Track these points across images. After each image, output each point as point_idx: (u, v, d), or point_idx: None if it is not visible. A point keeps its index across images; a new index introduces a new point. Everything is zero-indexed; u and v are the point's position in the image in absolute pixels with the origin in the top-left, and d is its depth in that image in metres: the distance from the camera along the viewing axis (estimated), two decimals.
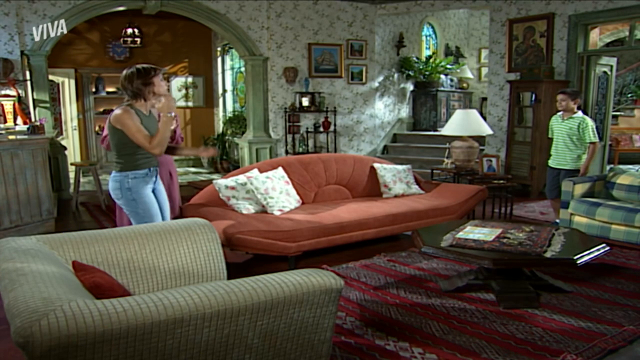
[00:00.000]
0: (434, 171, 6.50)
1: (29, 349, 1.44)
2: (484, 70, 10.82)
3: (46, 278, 1.78)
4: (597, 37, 7.48)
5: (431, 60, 9.89)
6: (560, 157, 5.08)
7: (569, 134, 4.96)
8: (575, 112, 4.97)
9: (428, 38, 10.83)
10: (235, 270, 3.83)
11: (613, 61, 7.29)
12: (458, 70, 10.70)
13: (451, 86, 10.35)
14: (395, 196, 5.02)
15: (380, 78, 9.20)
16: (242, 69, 9.20)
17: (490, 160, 6.09)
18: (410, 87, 9.98)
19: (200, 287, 1.75)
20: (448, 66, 10.03)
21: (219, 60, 10.70)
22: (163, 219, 3.36)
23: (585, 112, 5.75)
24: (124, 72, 3.14)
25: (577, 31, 6.82)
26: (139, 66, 3.15)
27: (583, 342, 2.72)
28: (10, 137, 5.05)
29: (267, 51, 8.09)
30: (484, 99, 9.82)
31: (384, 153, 9.40)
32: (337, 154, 7.67)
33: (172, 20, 9.88)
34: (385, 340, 2.78)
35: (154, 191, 3.30)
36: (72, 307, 1.53)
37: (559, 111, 5.12)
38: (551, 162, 5.21)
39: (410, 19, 9.95)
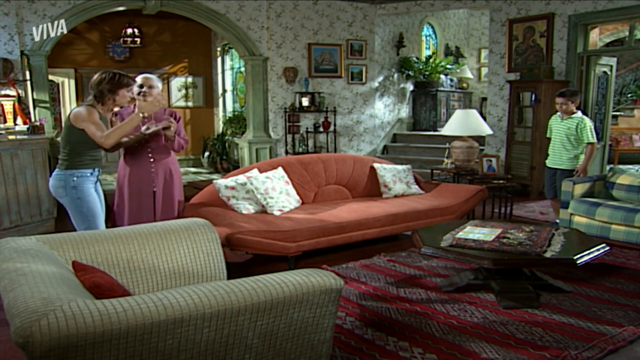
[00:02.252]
0: (434, 171, 6.50)
1: (28, 349, 1.44)
2: (484, 70, 10.82)
3: (46, 278, 1.77)
4: (597, 37, 7.49)
5: (431, 60, 9.89)
6: (557, 156, 5.08)
7: (567, 133, 4.96)
8: (574, 112, 4.97)
9: (428, 38, 10.83)
10: (235, 270, 3.83)
11: (613, 61, 7.29)
12: (458, 70, 10.70)
13: (451, 86, 10.35)
14: (395, 196, 5.02)
15: (380, 78, 9.20)
16: (242, 69, 9.20)
17: (490, 160, 6.09)
18: (410, 87, 9.98)
19: (200, 287, 1.75)
20: (448, 66, 10.03)
21: (219, 60, 10.70)
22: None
23: (584, 112, 5.75)
24: (98, 73, 3.24)
25: (577, 31, 6.82)
26: (114, 71, 3.26)
27: (583, 342, 2.72)
28: (10, 137, 5.05)
29: (267, 51, 8.09)
30: (484, 99, 9.82)
31: (384, 153, 9.40)
32: (337, 154, 7.66)
33: (172, 20, 9.88)
34: (385, 340, 2.78)
35: (95, 191, 3.38)
36: (72, 307, 1.53)
37: (558, 111, 5.12)
38: (548, 162, 5.21)
39: (410, 19, 9.95)
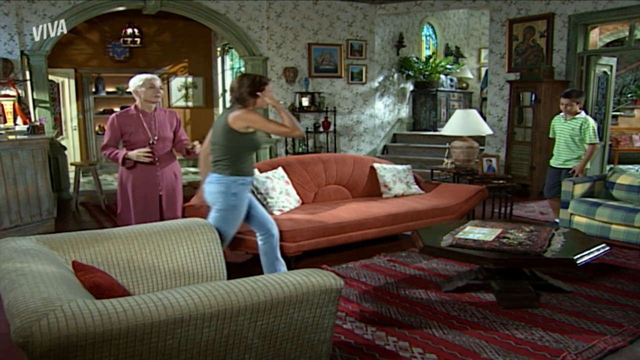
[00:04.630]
0: (434, 171, 6.50)
1: (28, 349, 1.44)
2: (484, 70, 10.82)
3: (46, 278, 1.78)
4: (597, 37, 7.48)
5: (431, 60, 9.89)
6: (562, 157, 5.08)
7: (571, 134, 4.95)
8: (578, 113, 4.97)
9: (428, 38, 10.83)
10: (235, 270, 3.83)
11: (613, 61, 7.29)
12: (458, 70, 10.70)
13: (451, 86, 10.35)
14: (395, 196, 5.02)
15: (380, 78, 9.19)
16: (242, 69, 9.20)
17: (490, 160, 6.09)
18: (410, 87, 9.98)
19: (200, 287, 1.75)
20: (448, 66, 10.03)
21: (219, 60, 10.70)
22: (266, 221, 3.39)
23: (586, 113, 5.75)
24: (237, 78, 3.21)
25: (577, 31, 6.82)
26: (252, 75, 3.20)
27: (583, 342, 2.72)
28: (10, 137, 5.05)
29: (267, 51, 8.09)
30: (484, 99, 9.82)
31: (384, 153, 9.40)
32: (337, 154, 7.66)
33: (172, 20, 9.87)
34: (385, 340, 2.78)
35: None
36: (72, 307, 1.53)
37: (561, 111, 5.12)
38: (553, 162, 5.20)
39: (410, 19, 9.94)
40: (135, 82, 3.66)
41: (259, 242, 3.40)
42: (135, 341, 1.57)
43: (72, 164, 7.03)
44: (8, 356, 2.66)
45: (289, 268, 3.93)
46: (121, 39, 9.69)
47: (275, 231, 3.40)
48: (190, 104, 10.73)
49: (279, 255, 3.44)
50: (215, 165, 3.17)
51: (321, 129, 8.50)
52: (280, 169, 4.59)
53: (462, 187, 5.22)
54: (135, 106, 3.73)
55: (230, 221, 3.17)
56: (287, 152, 8.41)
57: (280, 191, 4.36)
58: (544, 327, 2.90)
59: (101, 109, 9.93)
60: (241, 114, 3.07)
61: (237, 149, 3.11)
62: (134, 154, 3.60)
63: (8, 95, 6.15)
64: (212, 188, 3.17)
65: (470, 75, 10.85)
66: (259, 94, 3.13)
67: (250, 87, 3.12)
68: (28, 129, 5.70)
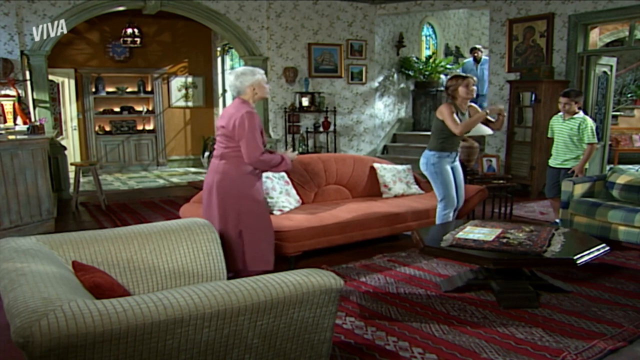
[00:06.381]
0: None
1: (28, 349, 1.44)
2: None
3: (46, 278, 1.78)
4: (597, 37, 7.48)
5: (431, 60, 9.89)
6: (560, 157, 5.09)
7: (569, 134, 4.96)
8: (576, 113, 4.97)
9: (428, 38, 10.83)
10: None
11: (613, 61, 7.29)
12: (458, 70, 10.69)
13: None
14: (395, 196, 5.02)
15: (380, 78, 9.19)
16: None
17: (490, 160, 6.08)
18: (410, 87, 9.98)
19: (200, 287, 1.75)
20: (448, 66, 10.02)
21: (219, 60, 10.70)
22: (457, 194, 4.33)
23: (585, 113, 5.76)
24: (448, 79, 4.31)
25: (577, 31, 6.81)
26: (453, 75, 4.28)
27: (583, 342, 2.72)
28: (10, 137, 5.05)
29: (266, 51, 8.09)
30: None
31: (384, 153, 9.39)
32: (337, 154, 7.66)
33: (172, 20, 9.87)
34: (385, 340, 2.78)
35: (452, 169, 4.30)
36: (72, 307, 1.53)
37: (559, 111, 5.12)
38: (551, 162, 5.21)
39: (410, 19, 9.94)
40: (252, 78, 3.18)
41: (439, 208, 4.30)
42: (135, 341, 1.57)
43: (72, 164, 7.02)
44: (8, 356, 2.66)
45: (289, 268, 3.93)
46: (121, 39, 9.67)
47: (456, 206, 4.35)
48: (190, 103, 10.73)
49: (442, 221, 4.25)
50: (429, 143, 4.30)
51: (321, 129, 8.51)
52: None
53: None
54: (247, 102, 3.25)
55: (441, 184, 4.22)
56: None
57: (280, 191, 4.36)
58: (544, 327, 2.91)
59: (101, 109, 9.92)
60: (441, 107, 4.15)
61: (439, 131, 4.18)
62: (292, 156, 3.40)
63: (8, 95, 6.16)
64: (422, 160, 4.32)
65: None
66: (458, 89, 4.17)
67: (452, 85, 4.19)
68: (28, 129, 5.70)
